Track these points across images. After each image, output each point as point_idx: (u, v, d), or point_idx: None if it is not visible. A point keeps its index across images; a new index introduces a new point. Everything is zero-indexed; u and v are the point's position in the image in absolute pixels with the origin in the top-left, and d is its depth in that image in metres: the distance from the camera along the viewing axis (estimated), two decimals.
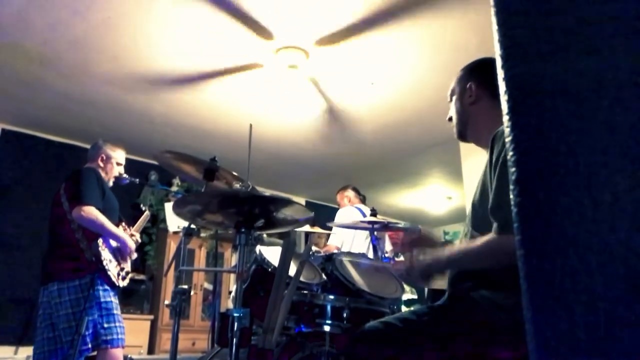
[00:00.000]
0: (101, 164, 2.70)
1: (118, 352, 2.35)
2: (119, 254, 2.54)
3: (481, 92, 1.36)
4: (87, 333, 2.24)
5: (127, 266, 2.60)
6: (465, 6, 2.85)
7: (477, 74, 1.39)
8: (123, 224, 2.66)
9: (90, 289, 2.30)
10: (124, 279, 2.53)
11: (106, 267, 2.39)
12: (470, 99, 1.38)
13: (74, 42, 3.24)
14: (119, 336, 2.36)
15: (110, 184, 2.74)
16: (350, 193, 4.12)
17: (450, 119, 1.47)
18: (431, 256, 1.24)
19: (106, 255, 2.43)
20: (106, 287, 2.40)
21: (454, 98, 1.44)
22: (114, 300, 2.42)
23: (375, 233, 2.83)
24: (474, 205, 1.27)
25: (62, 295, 2.32)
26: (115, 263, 2.49)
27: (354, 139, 4.82)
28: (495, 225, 1.09)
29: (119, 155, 2.79)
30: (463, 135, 1.44)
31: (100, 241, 2.42)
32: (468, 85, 1.38)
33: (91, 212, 2.39)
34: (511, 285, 1.09)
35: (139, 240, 2.75)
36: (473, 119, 1.38)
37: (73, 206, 2.42)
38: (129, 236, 2.64)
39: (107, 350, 2.30)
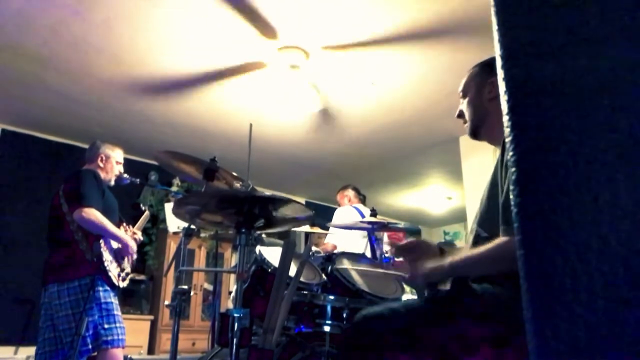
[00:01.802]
0: (101, 164, 2.70)
1: (118, 352, 2.35)
2: (120, 254, 2.55)
3: None
4: (87, 334, 2.24)
5: (127, 267, 2.60)
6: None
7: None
8: (124, 224, 2.66)
9: (91, 290, 2.30)
10: (124, 279, 2.54)
11: (107, 268, 2.39)
12: (490, 95, 1.33)
13: (74, 42, 3.24)
14: (120, 337, 2.36)
15: (112, 183, 2.74)
16: (350, 193, 4.12)
17: (460, 115, 1.42)
18: (432, 265, 1.22)
19: (107, 256, 2.43)
20: (106, 287, 2.40)
21: (470, 94, 1.39)
22: (114, 300, 2.42)
23: (375, 233, 2.83)
24: (482, 203, 1.26)
25: (62, 296, 2.33)
26: (116, 264, 2.50)
27: (354, 139, 4.82)
28: (504, 227, 1.09)
29: (117, 155, 2.79)
30: (476, 133, 1.39)
31: (102, 242, 2.42)
32: (490, 81, 1.33)
33: (92, 213, 2.39)
34: (512, 279, 1.10)
35: (141, 239, 2.75)
36: (490, 115, 1.33)
37: (73, 208, 2.41)
38: (132, 235, 2.64)
39: (107, 351, 2.30)
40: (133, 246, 2.59)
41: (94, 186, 2.50)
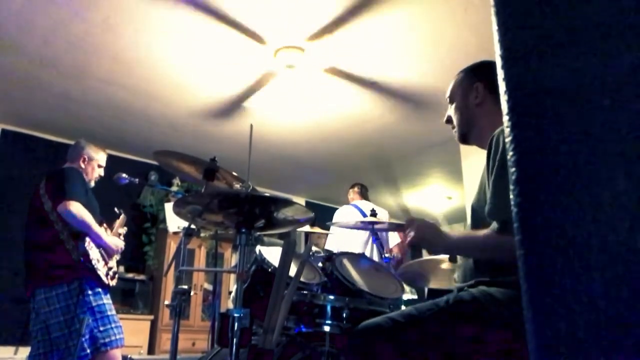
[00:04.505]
0: (82, 165, 2.65)
1: (117, 353, 2.34)
2: (105, 253, 2.50)
3: (487, 94, 1.34)
4: (83, 339, 2.22)
5: (114, 266, 2.57)
6: (466, 5, 2.85)
7: (484, 75, 1.36)
8: (104, 225, 2.61)
9: (80, 295, 2.26)
10: (112, 278, 2.50)
11: (95, 267, 2.35)
12: (476, 100, 1.35)
13: (74, 42, 3.24)
14: (117, 337, 2.34)
15: (92, 184, 2.69)
16: (350, 192, 4.11)
17: (448, 120, 1.45)
18: (442, 234, 1.24)
19: (94, 255, 2.38)
20: (97, 290, 2.36)
21: (457, 100, 1.41)
22: (106, 301, 2.38)
23: (377, 233, 2.82)
24: (473, 208, 1.28)
25: (51, 303, 2.27)
26: (103, 262, 2.45)
27: (353, 139, 4.82)
28: (495, 225, 1.10)
29: (100, 158, 2.73)
30: (465, 138, 1.41)
31: (87, 239, 2.37)
32: (475, 86, 1.36)
33: (78, 207, 2.34)
34: (509, 282, 1.11)
35: (122, 241, 2.70)
36: (478, 120, 1.36)
37: (57, 203, 2.35)
38: (114, 233, 2.62)
39: (107, 353, 2.28)
40: (117, 244, 2.55)
41: (79, 183, 2.46)
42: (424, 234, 1.24)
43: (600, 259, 0.35)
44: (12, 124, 4.64)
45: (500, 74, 0.42)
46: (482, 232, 1.16)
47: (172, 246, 4.96)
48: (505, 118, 0.41)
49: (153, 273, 5.04)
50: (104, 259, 2.47)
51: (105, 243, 2.47)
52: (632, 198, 0.34)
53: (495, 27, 0.43)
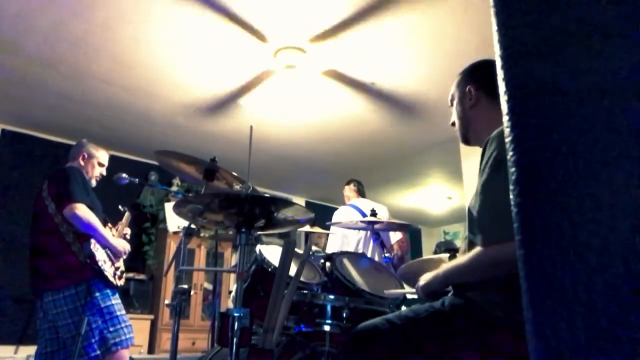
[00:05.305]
0: (82, 162, 2.62)
1: (125, 353, 2.33)
2: (112, 253, 2.49)
3: (480, 95, 1.35)
4: (93, 340, 2.21)
5: (121, 265, 2.56)
6: (466, 5, 2.85)
7: (475, 76, 1.38)
8: (109, 224, 2.60)
9: (88, 297, 2.25)
10: (120, 278, 2.49)
11: (102, 268, 2.34)
12: (470, 102, 1.37)
13: (74, 42, 3.24)
14: (127, 336, 2.34)
15: (94, 183, 2.66)
16: (347, 191, 4.04)
17: (454, 123, 1.47)
18: (428, 276, 1.27)
19: (100, 256, 2.36)
20: (105, 291, 2.34)
21: (455, 103, 1.44)
22: (114, 302, 2.37)
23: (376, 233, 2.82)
24: (469, 209, 1.28)
25: (58, 305, 2.26)
26: (110, 263, 2.44)
27: (354, 139, 4.82)
28: (479, 237, 1.10)
29: (101, 155, 2.71)
30: (467, 139, 1.44)
31: (92, 241, 2.35)
32: (467, 89, 1.38)
33: (84, 210, 2.33)
34: (507, 284, 1.11)
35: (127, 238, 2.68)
36: (474, 122, 1.38)
37: (63, 206, 2.33)
38: (119, 235, 2.61)
39: (117, 352, 2.27)
40: (124, 246, 2.54)
41: (81, 183, 2.44)
42: (419, 288, 1.30)
43: (600, 259, 0.35)
44: (12, 124, 4.64)
45: (500, 74, 0.42)
46: (468, 254, 1.14)
47: (172, 246, 4.96)
48: (505, 118, 0.41)
49: (153, 273, 5.04)
50: (110, 260, 2.45)
51: (112, 245, 2.46)
52: (632, 198, 0.34)
53: (495, 27, 0.43)
